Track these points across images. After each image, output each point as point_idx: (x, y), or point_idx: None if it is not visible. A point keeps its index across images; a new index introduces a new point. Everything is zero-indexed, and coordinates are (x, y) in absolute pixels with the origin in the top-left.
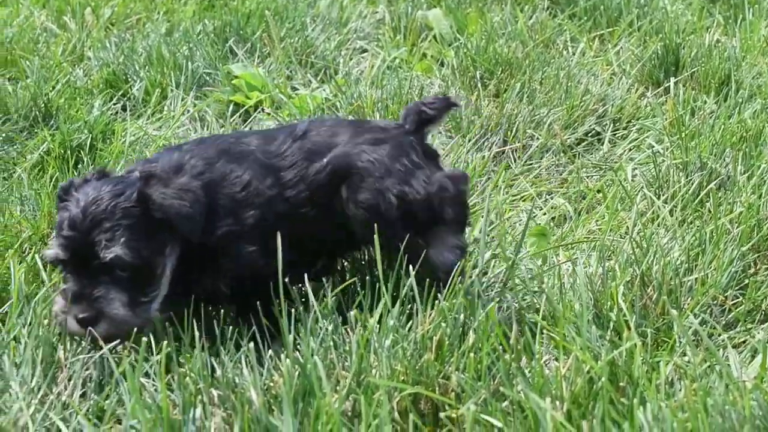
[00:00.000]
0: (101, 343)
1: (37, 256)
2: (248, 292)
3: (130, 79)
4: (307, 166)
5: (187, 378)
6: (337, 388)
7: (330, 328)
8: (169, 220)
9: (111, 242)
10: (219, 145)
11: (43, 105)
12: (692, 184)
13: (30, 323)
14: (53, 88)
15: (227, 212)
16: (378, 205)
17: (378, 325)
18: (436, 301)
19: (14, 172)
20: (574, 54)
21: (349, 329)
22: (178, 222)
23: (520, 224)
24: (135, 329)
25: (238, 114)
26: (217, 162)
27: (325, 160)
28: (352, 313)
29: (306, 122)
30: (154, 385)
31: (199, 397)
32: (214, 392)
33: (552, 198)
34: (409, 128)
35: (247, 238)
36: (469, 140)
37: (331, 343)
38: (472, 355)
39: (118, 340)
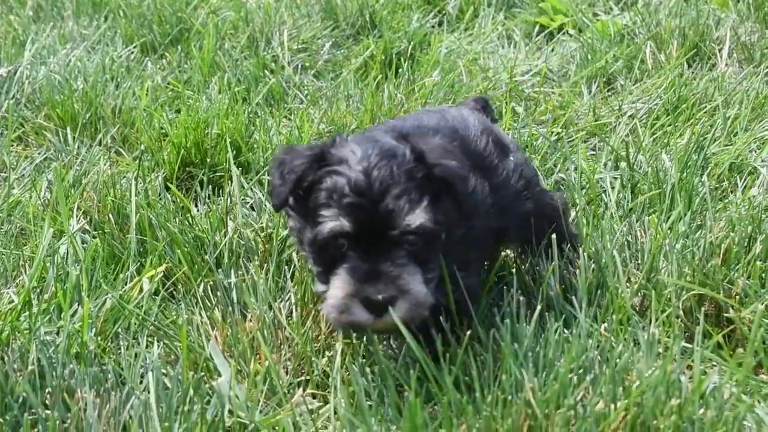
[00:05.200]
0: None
1: None
2: None
3: None
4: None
5: None
6: (628, 283)
7: (624, 228)
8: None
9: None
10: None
11: (368, 15)
12: None
13: None
14: (377, 1)
15: None
16: None
17: (669, 231)
18: (725, 213)
19: (341, 73)
20: None
21: (641, 231)
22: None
23: None
24: (426, 312)
25: (542, 35)
26: None
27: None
28: (647, 218)
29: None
30: None
31: None
32: None
33: None
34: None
35: None
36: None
37: (625, 243)
38: (758, 263)
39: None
